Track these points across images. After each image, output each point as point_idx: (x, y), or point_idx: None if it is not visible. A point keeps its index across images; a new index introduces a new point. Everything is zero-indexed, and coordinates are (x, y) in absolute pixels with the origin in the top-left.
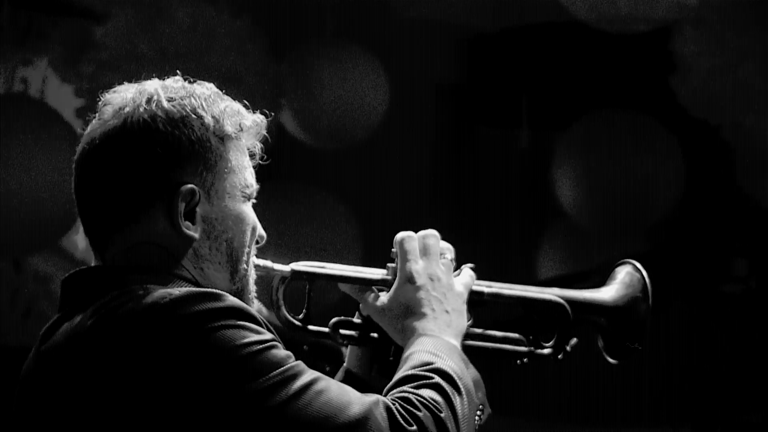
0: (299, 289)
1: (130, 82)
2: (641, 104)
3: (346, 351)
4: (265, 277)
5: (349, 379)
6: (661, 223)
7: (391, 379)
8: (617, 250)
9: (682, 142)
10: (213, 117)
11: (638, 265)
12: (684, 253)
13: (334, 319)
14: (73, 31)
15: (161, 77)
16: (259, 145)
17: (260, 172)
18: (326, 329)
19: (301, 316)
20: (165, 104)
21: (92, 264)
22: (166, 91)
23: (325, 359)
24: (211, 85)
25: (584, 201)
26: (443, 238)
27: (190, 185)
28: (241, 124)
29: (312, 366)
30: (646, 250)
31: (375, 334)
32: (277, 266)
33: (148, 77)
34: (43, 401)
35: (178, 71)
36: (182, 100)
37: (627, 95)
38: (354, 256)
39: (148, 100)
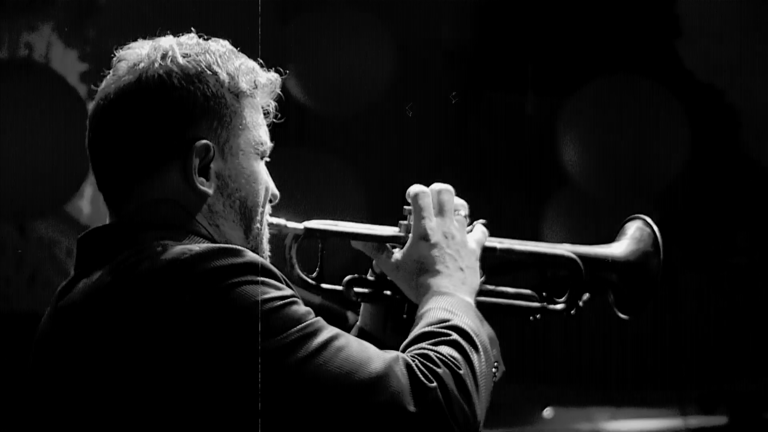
0: (312, 247)
1: (118, 46)
2: (647, 69)
3: (351, 317)
4: (277, 236)
5: (362, 337)
6: (667, 189)
7: (405, 337)
8: (623, 217)
9: (688, 106)
10: (228, 73)
11: (648, 219)
12: (689, 224)
13: (347, 277)
14: None
15: (175, 35)
16: (273, 104)
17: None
18: (339, 287)
19: (314, 275)
20: (180, 60)
21: (107, 221)
22: (181, 47)
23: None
24: (226, 42)
25: (590, 167)
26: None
27: (204, 141)
28: (255, 82)
29: None
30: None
31: (389, 292)
32: (291, 224)
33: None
34: (62, 357)
35: (192, 28)
36: (197, 56)
37: (632, 61)
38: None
39: (164, 56)
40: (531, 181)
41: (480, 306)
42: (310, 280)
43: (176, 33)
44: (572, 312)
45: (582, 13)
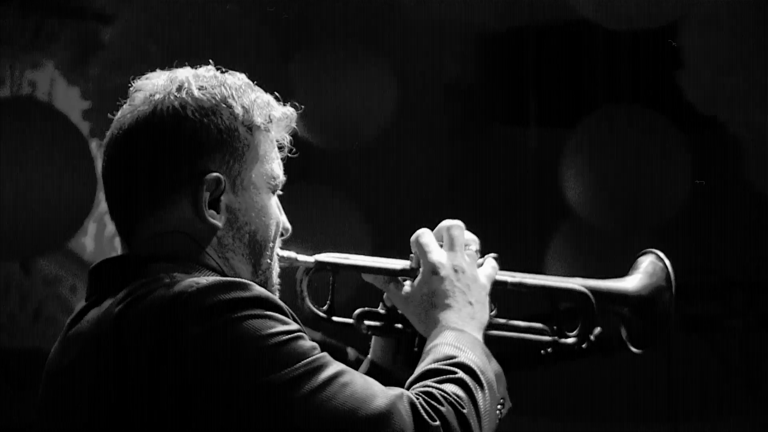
0: (323, 280)
1: (136, 76)
2: (648, 101)
3: (351, 352)
4: (288, 269)
5: (373, 370)
6: (670, 221)
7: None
8: (624, 249)
9: (690, 138)
10: (243, 107)
11: (661, 254)
12: (686, 283)
13: (358, 310)
14: (80, 34)
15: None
16: (288, 138)
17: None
18: (350, 320)
19: (325, 308)
20: (196, 92)
21: (119, 251)
22: (197, 79)
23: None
24: (242, 76)
25: (592, 199)
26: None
27: (215, 174)
28: (270, 116)
29: None
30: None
31: (399, 325)
32: (301, 257)
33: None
34: (70, 387)
35: (210, 60)
36: (213, 89)
37: (634, 92)
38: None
39: (179, 88)
40: (533, 213)
41: (491, 339)
42: (321, 313)
43: (181, 67)
44: (583, 346)
45: (584, 46)
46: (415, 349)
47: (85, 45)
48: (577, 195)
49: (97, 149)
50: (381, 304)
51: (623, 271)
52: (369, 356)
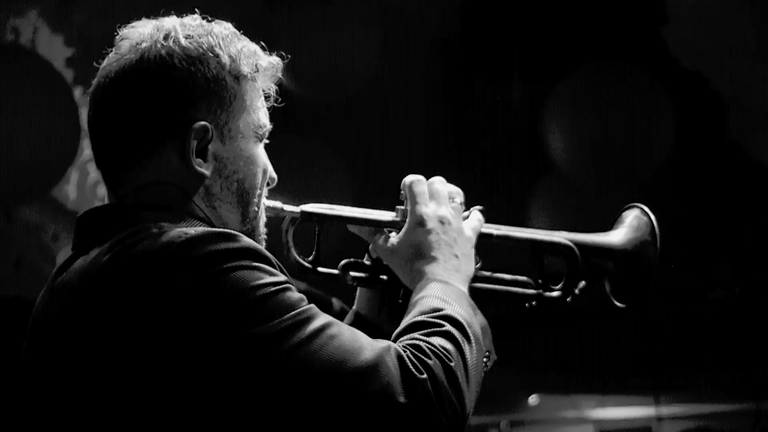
0: (309, 231)
1: (121, 25)
2: (633, 56)
3: (335, 303)
4: (274, 219)
5: (358, 322)
6: (652, 176)
7: (400, 321)
8: (607, 203)
9: (674, 93)
10: (230, 56)
11: (646, 208)
12: (670, 258)
13: (343, 261)
14: None
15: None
16: (273, 87)
17: None
18: (335, 271)
19: (310, 258)
20: (182, 41)
21: (106, 200)
22: (184, 28)
23: None
24: (228, 25)
25: (575, 154)
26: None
27: (203, 122)
28: (257, 65)
29: None
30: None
31: (384, 276)
32: (288, 207)
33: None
34: (56, 337)
35: (196, 9)
36: (200, 38)
37: (619, 47)
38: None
39: (166, 37)
40: (517, 167)
41: (476, 292)
42: (306, 264)
43: (167, 16)
44: (568, 300)
45: (568, 1)
46: (400, 301)
47: None
48: (560, 150)
49: (80, 97)
50: (366, 255)
51: (606, 227)
52: (354, 308)
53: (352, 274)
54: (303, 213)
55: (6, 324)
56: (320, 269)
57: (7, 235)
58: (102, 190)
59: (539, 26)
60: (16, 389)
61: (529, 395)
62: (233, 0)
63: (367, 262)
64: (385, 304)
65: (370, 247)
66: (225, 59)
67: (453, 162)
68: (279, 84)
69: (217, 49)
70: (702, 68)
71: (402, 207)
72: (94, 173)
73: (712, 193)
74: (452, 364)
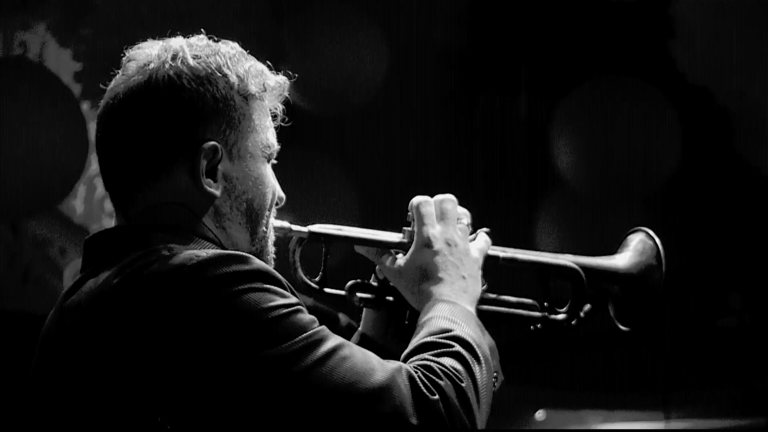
0: (315, 251)
1: (128, 46)
2: (640, 71)
3: (342, 318)
4: (281, 239)
5: (364, 343)
6: (659, 191)
7: (407, 343)
8: (613, 219)
9: (681, 108)
10: (238, 76)
11: (651, 232)
12: (680, 285)
13: (350, 282)
14: None
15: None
16: (281, 107)
17: None
18: (342, 292)
19: (317, 279)
20: (190, 61)
21: (113, 223)
22: (191, 48)
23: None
24: (235, 45)
25: (582, 169)
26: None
27: (212, 142)
28: (264, 84)
29: None
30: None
31: (391, 298)
32: (295, 227)
33: (147, 40)
34: (65, 358)
35: (202, 30)
36: (207, 57)
37: (626, 62)
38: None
39: (174, 57)
40: (523, 182)
41: (481, 314)
42: (313, 284)
43: (171, 32)
44: (573, 323)
45: (575, 15)
46: (406, 322)
47: (76, 6)
48: (566, 164)
49: (88, 111)
50: (373, 276)
51: (612, 242)
52: (360, 329)
53: (359, 295)
54: (311, 233)
55: (13, 338)
56: (327, 290)
57: (15, 249)
58: (109, 205)
59: (547, 40)
60: (24, 408)
61: (536, 411)
62: (241, 15)
63: (374, 283)
64: (392, 325)
65: (377, 268)
66: (233, 79)
67: (459, 176)
68: (285, 101)
69: (224, 69)
70: (709, 83)
71: (409, 228)
72: (101, 188)
73: (721, 212)
74: (463, 384)
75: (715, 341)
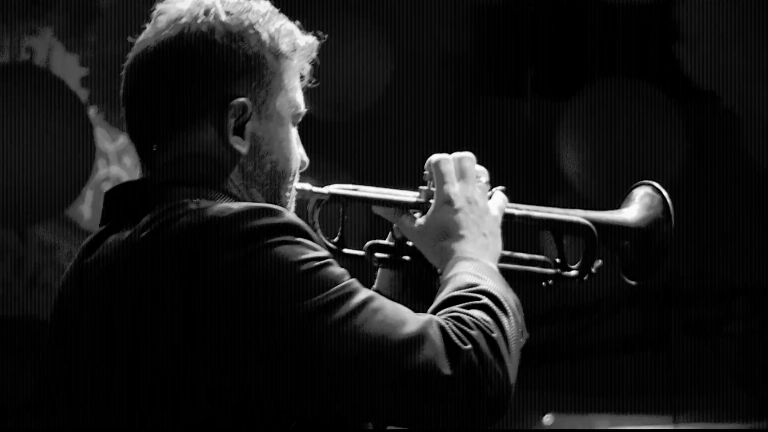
0: (332, 212)
1: (157, 5)
2: (646, 74)
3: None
4: (299, 201)
5: None
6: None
7: (423, 302)
8: None
9: (686, 111)
10: (269, 34)
11: (658, 185)
12: (687, 289)
13: (369, 242)
14: (78, 0)
15: None
16: (308, 68)
17: None
18: (361, 252)
19: (335, 239)
20: (223, 17)
21: (137, 175)
22: (224, 4)
23: None
24: (267, 3)
25: (587, 172)
26: None
27: (242, 99)
28: (295, 44)
29: None
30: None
31: (408, 257)
32: (316, 189)
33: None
34: (90, 314)
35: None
36: (240, 14)
37: (631, 65)
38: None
39: (207, 12)
40: (528, 185)
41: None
42: (331, 245)
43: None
44: (585, 278)
45: (580, 18)
46: (423, 281)
47: (83, 12)
48: (572, 168)
49: (95, 116)
50: (389, 236)
51: None
52: (375, 287)
53: (378, 255)
54: (331, 195)
55: (20, 343)
56: (345, 250)
57: (22, 254)
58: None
59: (551, 44)
60: (44, 371)
61: (544, 414)
62: None
63: (391, 243)
64: (408, 285)
65: (394, 227)
66: (265, 36)
67: None
68: (312, 62)
69: (257, 27)
70: (714, 86)
71: (425, 187)
72: None
73: (727, 216)
74: (494, 335)
75: (722, 347)
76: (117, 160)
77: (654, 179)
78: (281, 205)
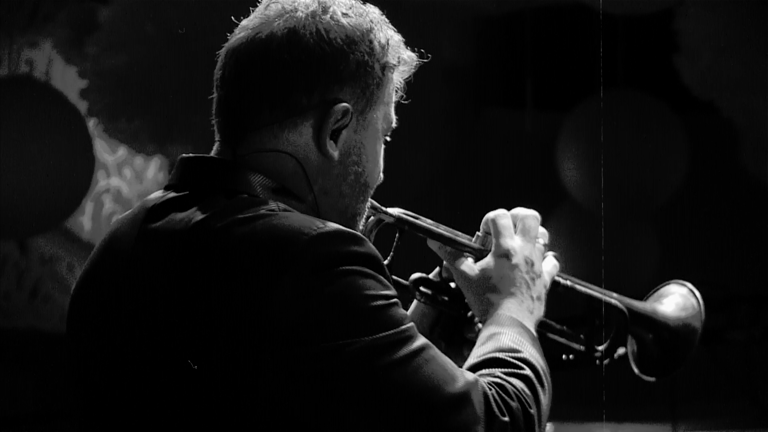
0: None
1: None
2: (645, 85)
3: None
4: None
5: None
6: (666, 205)
7: (450, 344)
8: (621, 232)
9: (686, 121)
10: (380, 43)
11: (694, 290)
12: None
13: (416, 275)
14: (77, 13)
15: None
16: (403, 84)
17: None
18: (406, 282)
19: (386, 263)
20: (341, 19)
21: (215, 150)
22: (341, 6)
23: None
24: (378, 10)
25: (587, 182)
26: (450, 218)
27: (345, 104)
28: (400, 57)
29: None
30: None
31: (447, 298)
32: (384, 208)
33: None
34: (150, 287)
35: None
36: (357, 18)
37: (631, 76)
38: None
39: (324, 10)
40: (529, 196)
41: None
42: None
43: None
44: (605, 362)
45: (581, 30)
46: (457, 327)
47: (82, 25)
48: (572, 178)
49: (94, 128)
50: (435, 273)
51: (617, 255)
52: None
53: (422, 289)
54: (397, 218)
55: (21, 355)
56: (392, 277)
57: (22, 266)
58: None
59: (552, 55)
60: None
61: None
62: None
63: (436, 280)
64: (439, 325)
65: (444, 265)
66: (377, 45)
67: (465, 190)
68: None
69: (371, 34)
70: (713, 96)
71: (482, 234)
72: (109, 204)
73: (727, 226)
74: (532, 411)
75: (723, 354)
76: (117, 172)
77: (654, 189)
78: (356, 217)
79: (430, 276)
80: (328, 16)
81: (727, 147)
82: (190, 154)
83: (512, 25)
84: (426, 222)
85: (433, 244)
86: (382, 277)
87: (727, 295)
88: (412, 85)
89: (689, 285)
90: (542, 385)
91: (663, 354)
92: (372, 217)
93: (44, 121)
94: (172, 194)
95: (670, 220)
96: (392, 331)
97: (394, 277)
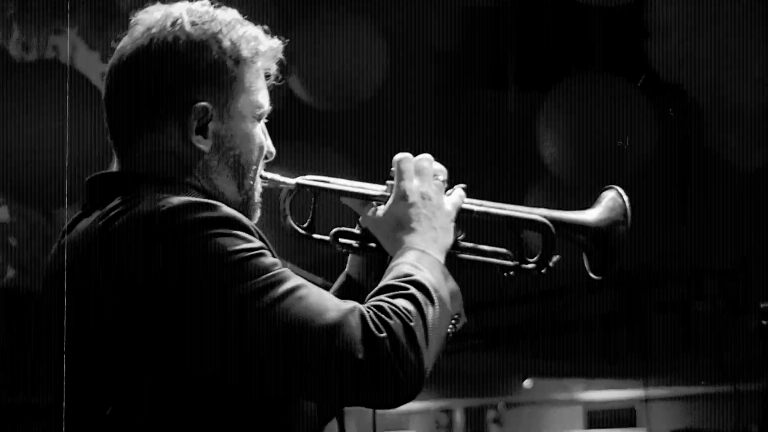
0: (307, 200)
1: (133, 15)
2: (618, 68)
3: (319, 281)
4: (274, 190)
5: (349, 284)
6: (635, 177)
7: None
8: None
9: (656, 102)
10: (231, 41)
11: (620, 190)
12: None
13: (335, 229)
14: (100, 2)
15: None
16: (274, 68)
17: (271, 133)
18: (327, 238)
19: (305, 225)
20: (187, 28)
21: (114, 168)
22: (190, 14)
23: None
24: (234, 11)
25: (565, 157)
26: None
27: (203, 103)
28: (257, 49)
29: None
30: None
31: (373, 244)
32: (284, 179)
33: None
34: (59, 292)
35: None
36: (204, 24)
37: (605, 60)
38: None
39: (173, 23)
40: (511, 170)
41: (458, 261)
42: (301, 230)
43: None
44: (543, 271)
45: (560, 18)
46: (387, 267)
47: (103, 13)
48: (551, 154)
49: None
50: (357, 225)
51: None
52: (346, 270)
53: (342, 240)
54: (298, 185)
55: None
56: (314, 236)
57: (50, 235)
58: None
59: (533, 40)
60: (36, 342)
61: (524, 379)
62: (245, 15)
63: (357, 231)
64: (373, 270)
65: (360, 218)
66: (226, 44)
67: (452, 165)
68: (280, 62)
69: (219, 35)
70: (680, 79)
71: (391, 182)
72: None
73: (694, 201)
74: (412, 324)
75: (690, 325)
76: None
77: (625, 166)
78: (245, 192)
79: (355, 230)
80: (177, 27)
81: (693, 126)
82: (93, 174)
83: (497, 14)
84: (330, 182)
85: (345, 200)
86: (242, 233)
87: (694, 268)
88: (404, 67)
89: (616, 187)
90: (430, 300)
91: (601, 252)
92: (282, 190)
93: (69, 101)
94: (79, 212)
95: (640, 194)
96: (260, 278)
97: (319, 236)
